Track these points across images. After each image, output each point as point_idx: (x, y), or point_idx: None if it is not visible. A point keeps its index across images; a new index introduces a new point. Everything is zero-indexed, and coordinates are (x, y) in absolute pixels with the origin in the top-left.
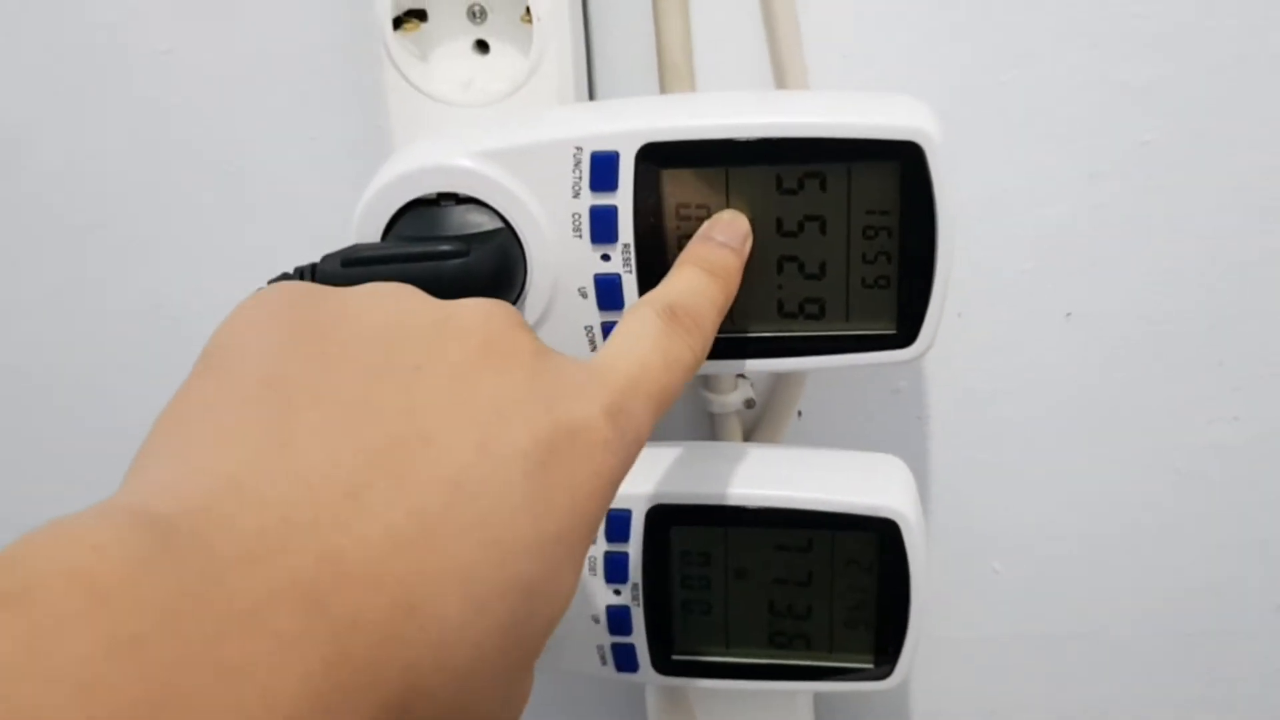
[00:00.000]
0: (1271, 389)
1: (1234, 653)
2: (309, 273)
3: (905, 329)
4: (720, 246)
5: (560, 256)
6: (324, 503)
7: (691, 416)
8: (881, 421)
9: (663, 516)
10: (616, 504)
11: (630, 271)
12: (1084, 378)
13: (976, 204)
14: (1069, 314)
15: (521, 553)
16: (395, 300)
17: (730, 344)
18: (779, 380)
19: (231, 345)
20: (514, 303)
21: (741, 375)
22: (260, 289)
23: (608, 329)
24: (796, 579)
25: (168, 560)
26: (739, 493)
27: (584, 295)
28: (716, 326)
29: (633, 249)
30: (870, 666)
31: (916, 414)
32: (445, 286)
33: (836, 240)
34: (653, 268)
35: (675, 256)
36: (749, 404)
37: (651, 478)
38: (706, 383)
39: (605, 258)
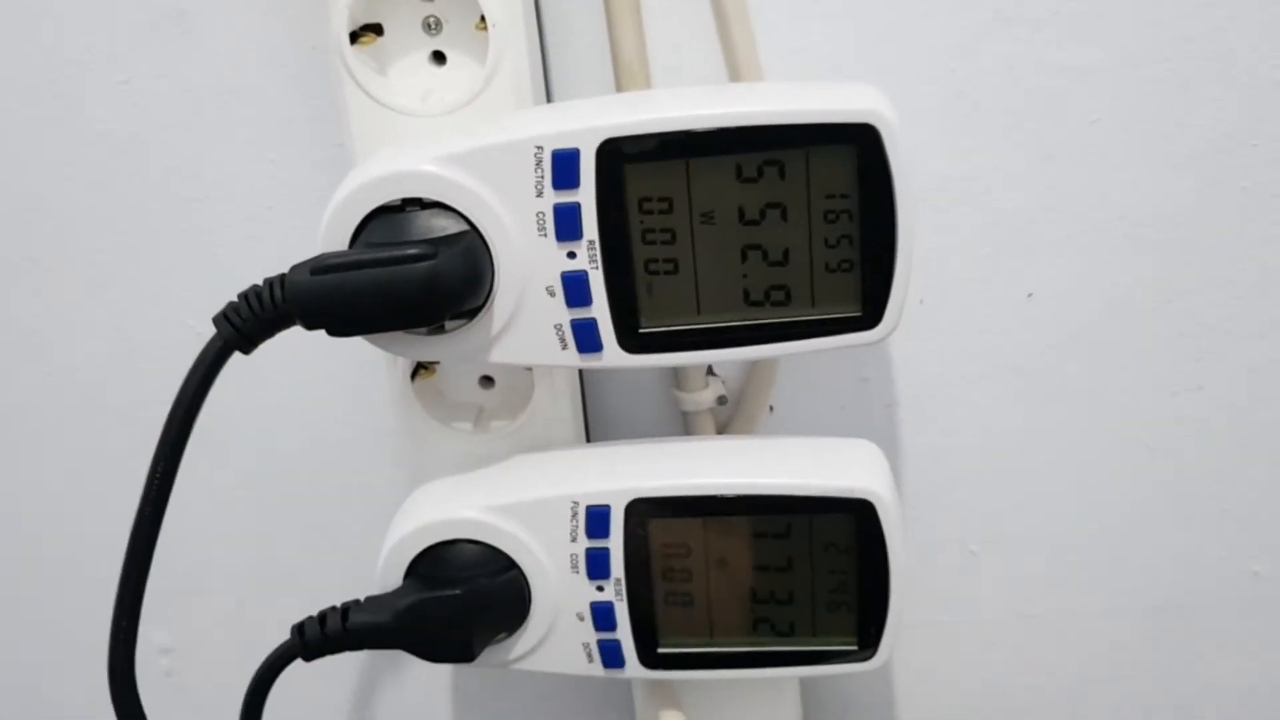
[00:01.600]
0: (1232, 357)
1: (1210, 622)
2: (278, 284)
3: (870, 310)
4: None
5: (526, 256)
6: None
7: (665, 417)
8: (852, 411)
9: (641, 510)
10: (595, 500)
11: (597, 268)
12: (1049, 357)
13: (931, 192)
14: (1030, 294)
15: None
16: None
17: (698, 335)
18: (750, 376)
19: None
20: (482, 304)
21: (712, 373)
22: None
23: (577, 326)
24: (776, 565)
25: None
26: (715, 482)
27: (551, 294)
28: None
29: (598, 245)
30: (854, 648)
31: (885, 402)
32: (414, 290)
33: (798, 226)
34: (619, 263)
35: (640, 251)
36: (721, 401)
37: (629, 472)
38: (678, 381)
39: (571, 255)
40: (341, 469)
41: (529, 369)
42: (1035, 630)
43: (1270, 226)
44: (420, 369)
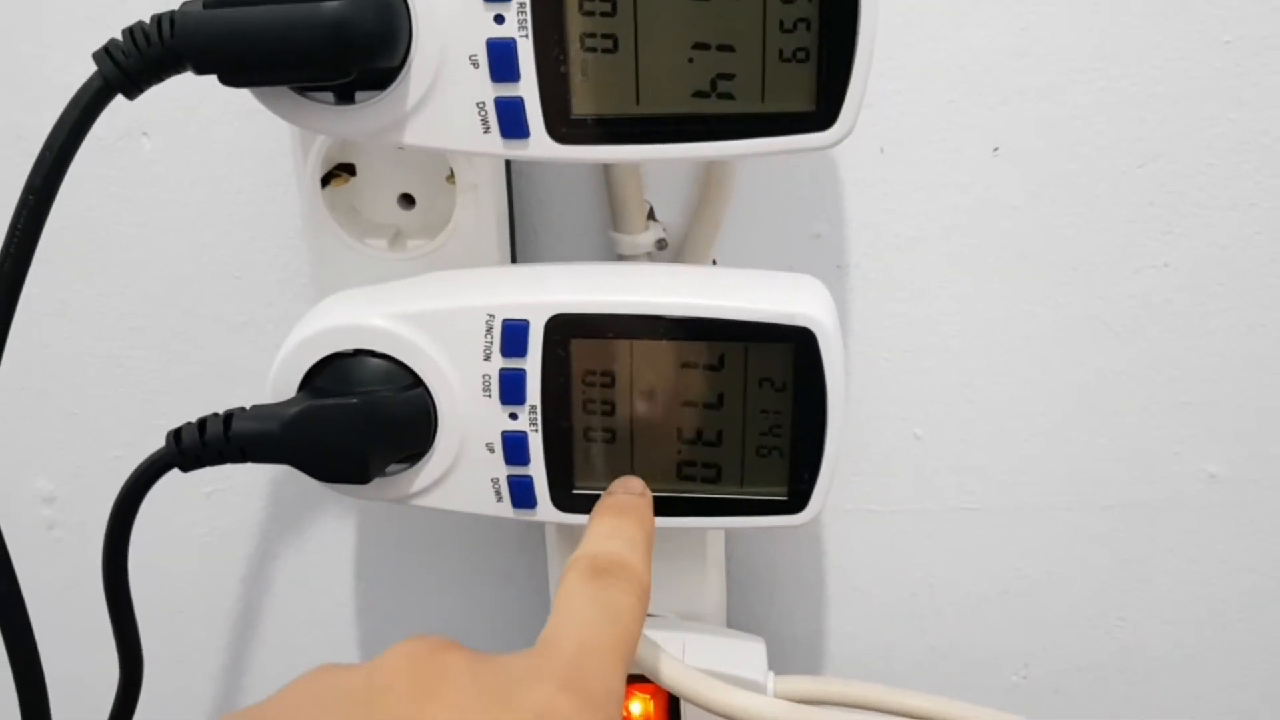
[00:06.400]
0: (1202, 232)
1: (1161, 525)
2: (168, 19)
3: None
4: (623, 495)
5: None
6: None
7: (599, 260)
8: (801, 269)
9: (564, 327)
10: (513, 314)
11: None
12: (1010, 219)
13: (898, 28)
14: (996, 149)
15: None
16: (317, 685)
17: None
18: (693, 224)
19: None
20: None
21: (653, 218)
22: None
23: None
24: (706, 402)
25: None
26: (646, 300)
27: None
28: (648, 559)
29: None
30: (783, 499)
31: (836, 262)
32: (320, 32)
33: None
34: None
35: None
36: (660, 245)
37: (553, 287)
38: (615, 221)
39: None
40: (248, 296)
41: (451, 181)
42: (977, 525)
43: (1248, 88)
44: (333, 175)
